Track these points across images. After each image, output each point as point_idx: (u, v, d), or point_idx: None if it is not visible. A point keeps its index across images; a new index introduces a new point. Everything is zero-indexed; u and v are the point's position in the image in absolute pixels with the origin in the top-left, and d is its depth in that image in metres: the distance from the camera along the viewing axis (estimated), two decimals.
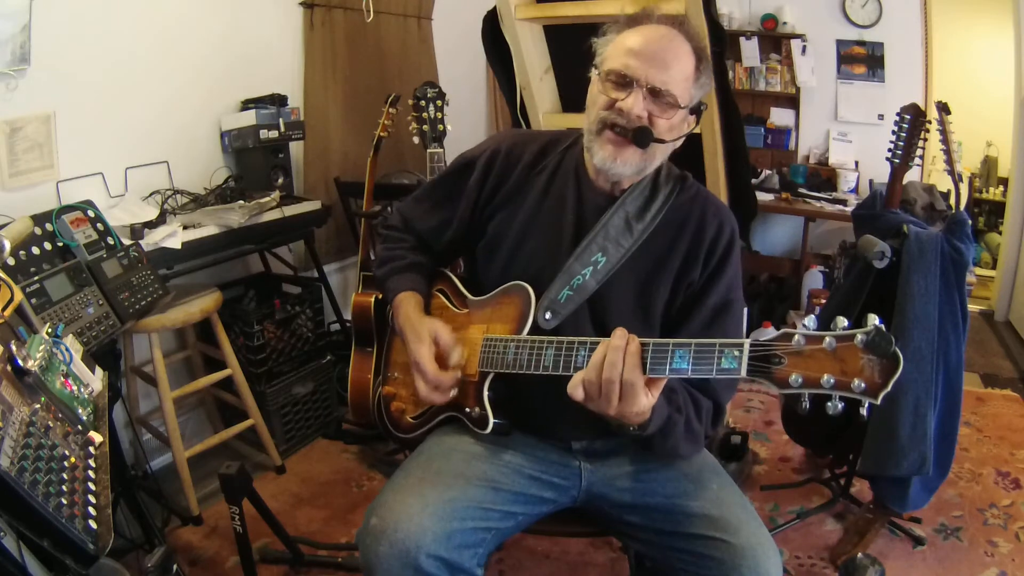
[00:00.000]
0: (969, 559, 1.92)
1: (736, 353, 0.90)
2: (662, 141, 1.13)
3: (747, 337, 0.92)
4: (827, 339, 0.83)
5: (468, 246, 1.34)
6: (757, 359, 0.88)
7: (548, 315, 1.16)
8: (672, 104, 1.10)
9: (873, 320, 0.81)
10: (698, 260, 1.19)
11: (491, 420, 1.18)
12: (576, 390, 0.99)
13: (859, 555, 1.83)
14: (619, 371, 0.95)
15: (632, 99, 1.09)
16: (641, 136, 1.10)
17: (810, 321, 0.86)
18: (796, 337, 0.85)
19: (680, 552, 1.13)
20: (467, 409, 1.22)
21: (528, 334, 1.14)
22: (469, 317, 1.26)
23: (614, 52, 1.13)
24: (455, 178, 1.31)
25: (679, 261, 1.19)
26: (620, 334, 0.97)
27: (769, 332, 3.26)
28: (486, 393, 1.19)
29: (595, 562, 1.93)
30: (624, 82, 1.10)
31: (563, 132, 1.31)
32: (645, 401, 0.97)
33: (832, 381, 0.83)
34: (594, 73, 1.17)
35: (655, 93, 1.09)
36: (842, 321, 0.83)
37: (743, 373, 0.89)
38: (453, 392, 1.19)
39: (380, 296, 1.54)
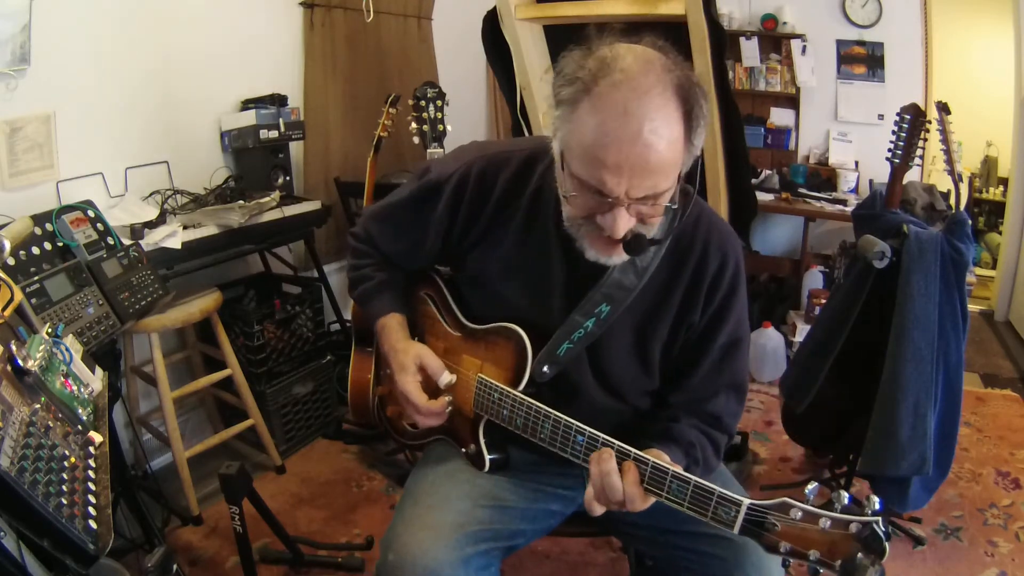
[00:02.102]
0: (969, 559, 1.92)
1: (732, 513, 0.89)
2: (659, 243, 1.02)
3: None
4: (823, 520, 0.84)
5: (446, 263, 1.28)
6: (752, 522, 0.88)
7: (546, 368, 1.11)
8: (663, 192, 0.92)
9: (875, 503, 0.82)
10: (698, 300, 1.10)
11: (487, 459, 1.18)
12: (592, 508, 0.99)
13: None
14: (619, 493, 0.95)
15: (614, 219, 0.92)
16: (635, 247, 0.96)
17: (811, 490, 0.87)
18: (794, 511, 0.85)
19: (683, 550, 1.13)
20: (463, 448, 1.21)
21: (526, 385, 1.11)
22: (461, 343, 1.21)
23: (578, 150, 0.90)
24: (420, 204, 1.18)
25: (678, 301, 1.10)
26: (609, 456, 0.96)
27: (769, 332, 3.25)
28: (482, 438, 1.18)
29: (595, 562, 1.93)
30: (600, 196, 0.91)
31: (537, 147, 1.12)
32: (652, 500, 0.97)
33: (817, 556, 0.85)
34: (555, 148, 0.96)
35: (641, 199, 0.91)
36: (843, 497, 0.84)
37: (736, 531, 0.89)
38: (448, 410, 1.17)
39: None
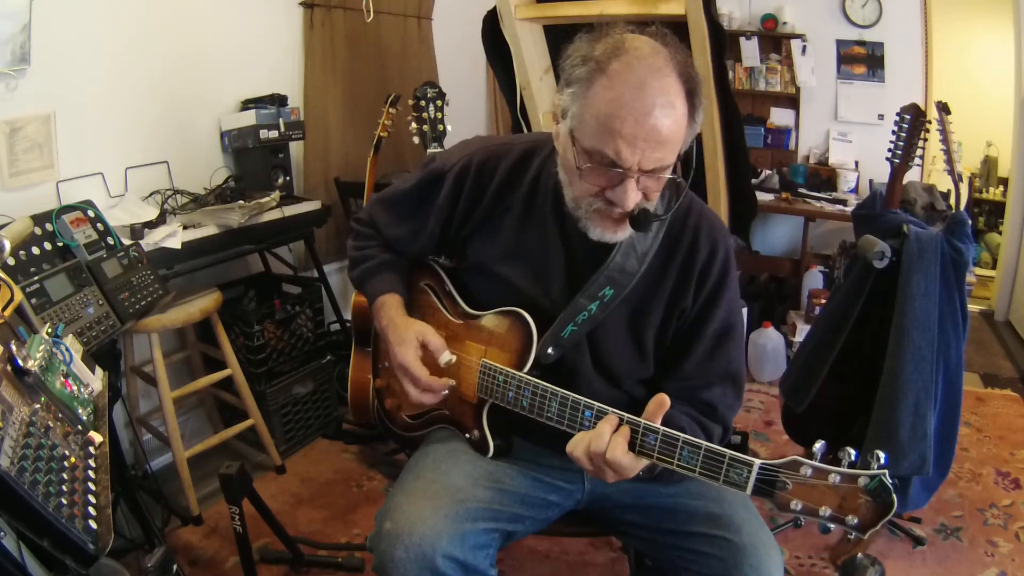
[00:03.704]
0: (969, 559, 1.92)
1: (745, 475, 0.91)
2: (661, 218, 1.07)
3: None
4: (832, 475, 0.87)
5: (446, 254, 1.30)
6: (764, 481, 0.91)
7: (551, 350, 1.13)
8: (668, 167, 0.98)
9: (880, 458, 0.85)
10: (689, 286, 1.13)
11: (491, 445, 1.18)
12: (572, 448, 1.02)
13: (859, 555, 1.84)
14: (603, 442, 0.97)
15: (624, 191, 0.97)
16: (642, 223, 1.01)
17: (820, 447, 0.89)
18: (804, 468, 0.88)
19: (682, 551, 1.13)
20: (467, 435, 1.22)
21: (531, 366, 1.12)
22: (464, 329, 1.22)
23: (592, 123, 0.95)
24: (423, 192, 1.23)
25: (670, 287, 1.14)
26: (614, 419, 0.99)
27: (769, 332, 3.25)
28: (485, 420, 1.18)
29: (595, 562, 1.93)
30: (612, 167, 0.96)
31: (536, 141, 1.18)
32: (640, 465, 0.99)
33: (829, 513, 0.88)
34: (563, 129, 1.01)
35: (649, 172, 0.97)
36: (849, 455, 0.87)
37: (748, 491, 0.92)
38: (445, 392, 1.17)
39: None
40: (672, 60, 0.95)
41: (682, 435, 0.95)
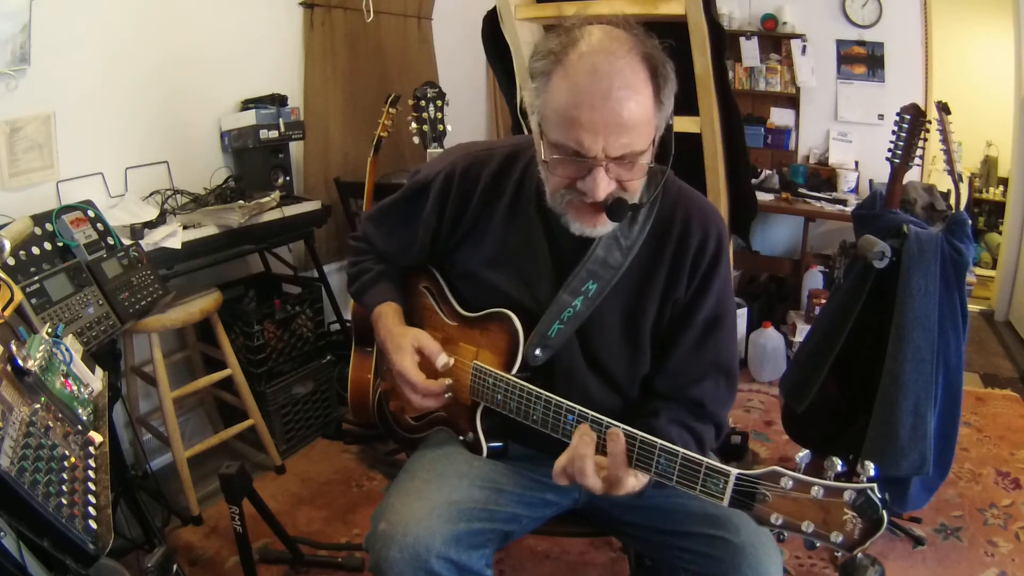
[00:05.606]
0: (969, 559, 1.92)
1: (721, 485, 0.87)
2: (639, 206, 1.04)
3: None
4: (815, 488, 0.81)
5: (438, 262, 1.30)
6: (742, 492, 0.86)
7: (539, 351, 1.12)
8: (639, 153, 0.96)
9: (869, 471, 0.80)
10: (682, 274, 1.11)
11: (484, 446, 1.18)
12: (559, 479, 0.98)
13: (859, 555, 1.83)
14: (587, 478, 0.94)
15: (594, 180, 0.95)
16: (617, 212, 0.98)
17: (803, 457, 0.83)
18: (784, 479, 0.83)
19: (681, 551, 1.12)
20: (461, 436, 1.22)
21: (519, 368, 1.12)
22: (458, 331, 1.23)
23: (554, 115, 0.95)
24: (410, 204, 1.24)
25: (664, 276, 1.11)
26: (590, 441, 0.95)
27: (769, 332, 3.25)
28: (479, 423, 1.18)
29: (595, 562, 1.93)
30: (578, 158, 0.95)
31: (519, 144, 1.18)
32: (633, 482, 0.96)
33: (812, 528, 0.82)
34: (533, 125, 1.01)
35: (619, 159, 0.94)
36: (836, 464, 0.81)
37: (725, 503, 0.87)
38: (447, 396, 1.17)
39: None
40: (630, 43, 0.93)
41: (659, 442, 0.93)
